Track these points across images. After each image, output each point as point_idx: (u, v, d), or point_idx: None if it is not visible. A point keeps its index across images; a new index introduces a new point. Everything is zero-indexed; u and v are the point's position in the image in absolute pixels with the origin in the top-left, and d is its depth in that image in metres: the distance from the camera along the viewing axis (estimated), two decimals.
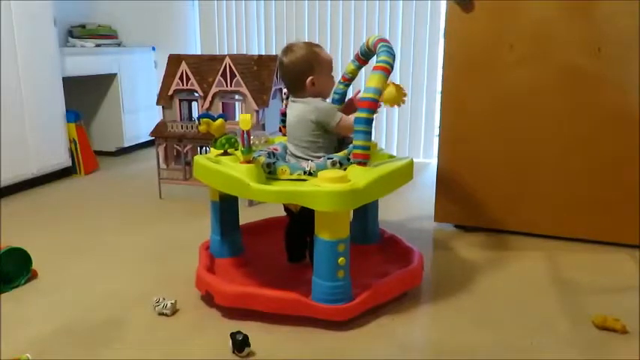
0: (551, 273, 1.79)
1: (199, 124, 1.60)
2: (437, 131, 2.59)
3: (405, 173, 1.57)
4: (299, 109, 1.64)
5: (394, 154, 3.47)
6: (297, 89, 1.66)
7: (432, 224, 2.25)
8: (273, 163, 1.53)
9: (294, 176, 1.49)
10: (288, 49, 1.66)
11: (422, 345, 1.40)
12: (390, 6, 3.38)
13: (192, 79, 2.47)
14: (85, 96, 3.55)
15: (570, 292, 1.65)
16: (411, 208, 2.42)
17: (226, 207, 1.71)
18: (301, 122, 1.62)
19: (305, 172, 1.50)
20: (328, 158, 1.54)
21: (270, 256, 1.78)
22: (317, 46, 1.69)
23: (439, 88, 2.18)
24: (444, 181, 2.17)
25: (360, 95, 1.50)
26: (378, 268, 1.67)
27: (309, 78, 1.62)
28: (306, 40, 1.82)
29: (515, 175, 2.07)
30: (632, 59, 1.84)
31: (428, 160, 3.46)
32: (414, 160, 1.66)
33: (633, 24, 1.82)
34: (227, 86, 2.42)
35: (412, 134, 3.53)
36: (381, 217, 1.90)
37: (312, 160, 1.57)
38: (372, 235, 1.86)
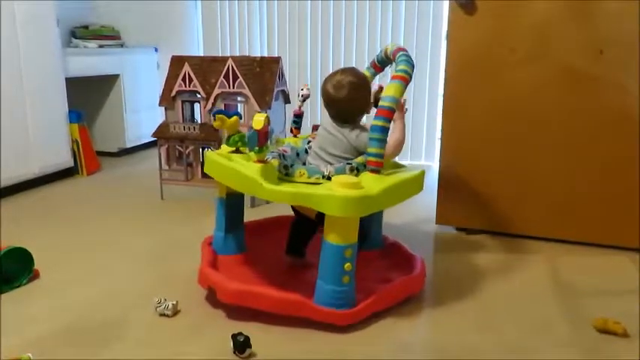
0: (552, 276, 1.79)
1: (214, 120, 1.62)
2: (439, 134, 2.59)
3: (416, 184, 1.57)
4: (341, 132, 1.62)
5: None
6: (351, 121, 1.64)
7: (433, 227, 2.25)
8: (291, 165, 1.52)
9: (313, 180, 1.48)
10: (340, 84, 1.60)
11: (423, 347, 1.40)
12: (392, 7, 3.38)
13: (195, 81, 2.48)
14: (88, 96, 3.55)
15: (571, 295, 1.65)
16: (413, 211, 2.42)
17: (232, 204, 1.70)
18: (339, 143, 1.62)
19: (324, 177, 1.49)
20: (347, 163, 1.54)
21: (272, 255, 1.78)
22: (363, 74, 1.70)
23: (441, 90, 2.18)
24: (446, 184, 2.17)
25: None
26: (380, 274, 1.67)
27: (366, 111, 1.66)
28: (344, 67, 1.73)
29: (516, 177, 2.07)
30: (633, 61, 1.84)
31: (430, 162, 3.45)
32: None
33: (635, 26, 1.82)
34: (229, 88, 2.43)
35: (414, 137, 3.51)
36: (383, 219, 1.90)
37: (331, 164, 1.57)
38: (376, 241, 1.85)
